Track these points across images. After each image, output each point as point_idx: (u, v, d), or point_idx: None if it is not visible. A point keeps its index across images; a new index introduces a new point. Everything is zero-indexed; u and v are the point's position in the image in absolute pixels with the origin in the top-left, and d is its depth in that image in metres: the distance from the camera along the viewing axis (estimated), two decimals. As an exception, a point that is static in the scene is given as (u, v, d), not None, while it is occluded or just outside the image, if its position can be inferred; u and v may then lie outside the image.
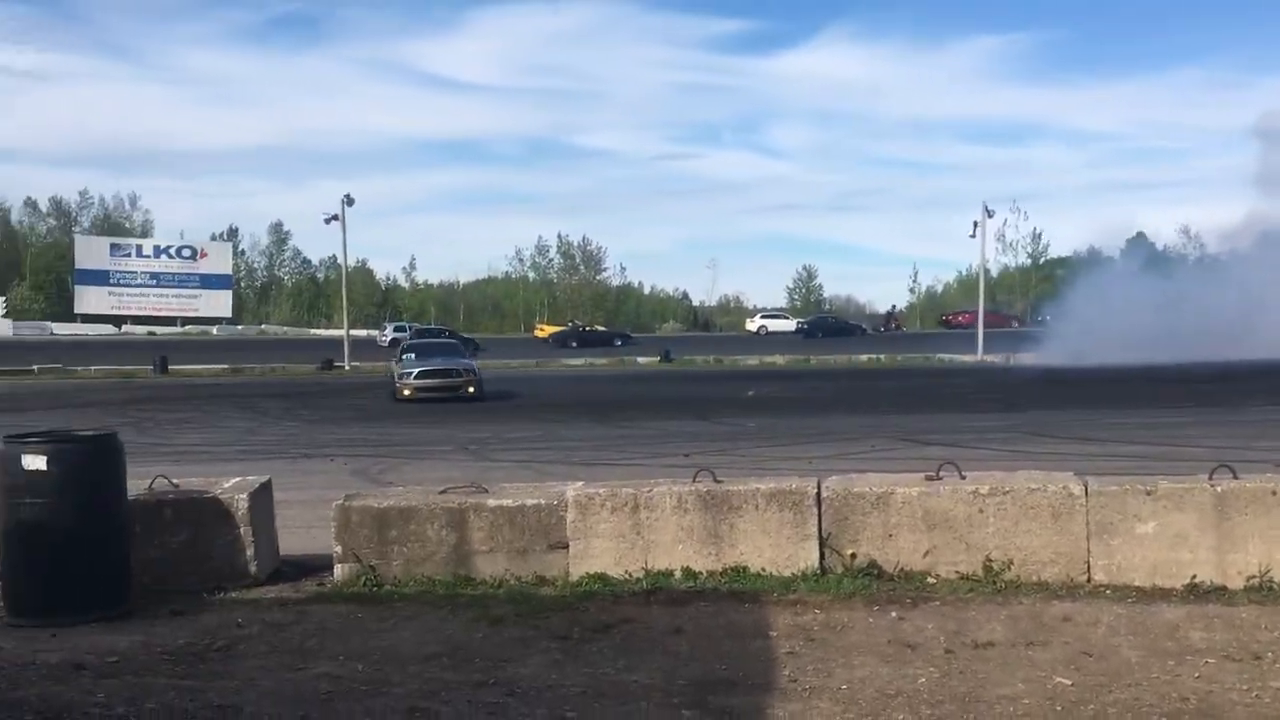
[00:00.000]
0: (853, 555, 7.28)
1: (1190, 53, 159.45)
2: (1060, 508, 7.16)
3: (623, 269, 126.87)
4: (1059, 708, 5.04)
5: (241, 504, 7.74)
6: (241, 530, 7.70)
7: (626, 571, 7.38)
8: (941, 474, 7.54)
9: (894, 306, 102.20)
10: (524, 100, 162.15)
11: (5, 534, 6.94)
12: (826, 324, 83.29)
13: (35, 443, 6.99)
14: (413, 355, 31.46)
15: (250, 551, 7.72)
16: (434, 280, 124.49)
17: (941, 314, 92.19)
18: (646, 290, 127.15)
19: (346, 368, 50.01)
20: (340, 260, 63.25)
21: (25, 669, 5.90)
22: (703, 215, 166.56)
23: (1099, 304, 51.95)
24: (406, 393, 28.72)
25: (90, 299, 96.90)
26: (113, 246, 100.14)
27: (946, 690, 5.29)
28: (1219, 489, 7.08)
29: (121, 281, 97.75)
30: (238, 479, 8.26)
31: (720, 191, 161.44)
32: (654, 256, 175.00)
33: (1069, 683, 5.34)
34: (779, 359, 54.90)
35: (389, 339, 73.12)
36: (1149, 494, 7.12)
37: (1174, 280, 61.37)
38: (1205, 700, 5.10)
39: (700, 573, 7.33)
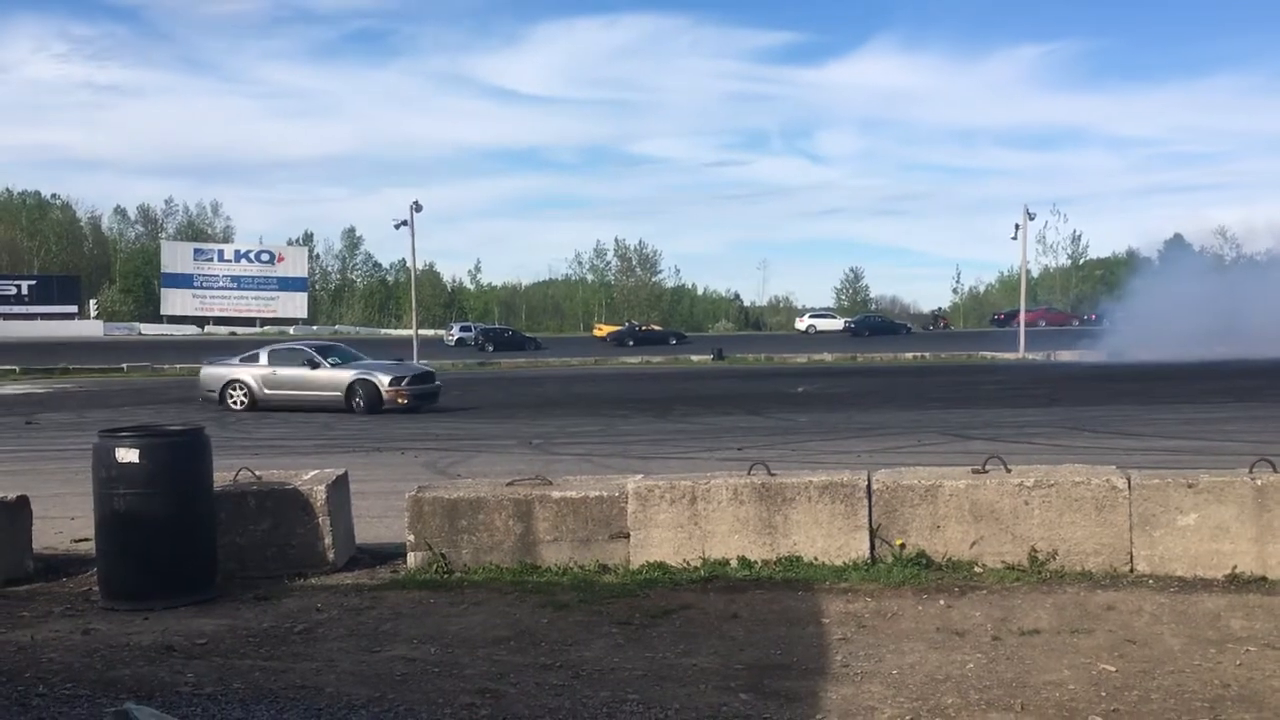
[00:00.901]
0: (902, 545, 7.24)
1: (1227, 60, 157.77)
2: (1104, 500, 7.08)
3: (677, 271, 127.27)
4: (1103, 693, 4.98)
5: (320, 495, 7.81)
6: (320, 520, 7.77)
7: (684, 560, 7.39)
8: (987, 467, 7.49)
9: (939, 308, 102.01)
10: (583, 110, 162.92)
11: (100, 522, 7.05)
12: (873, 323, 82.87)
13: (128, 437, 7.09)
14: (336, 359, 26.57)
15: (328, 540, 7.80)
16: (498, 282, 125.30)
17: (994, 313, 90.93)
18: (699, 291, 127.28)
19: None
20: (409, 263, 63.72)
21: (120, 650, 6.00)
22: (753, 219, 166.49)
23: (1153, 301, 51.22)
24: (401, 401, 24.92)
25: (175, 301, 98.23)
26: (196, 251, 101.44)
27: (994, 675, 5.25)
28: (1259, 482, 6.97)
29: (204, 284, 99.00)
30: (316, 471, 8.34)
31: (770, 196, 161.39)
32: (707, 259, 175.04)
33: (1113, 669, 5.28)
34: (827, 356, 54.69)
35: (455, 339, 73.60)
36: (1190, 487, 7.03)
37: (1228, 278, 60.41)
38: (1246, 687, 5.02)
39: (755, 562, 7.31)
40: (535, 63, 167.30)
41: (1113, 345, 49.43)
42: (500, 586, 7.17)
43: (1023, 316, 59.33)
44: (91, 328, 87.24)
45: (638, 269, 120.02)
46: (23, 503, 8.02)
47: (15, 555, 7.84)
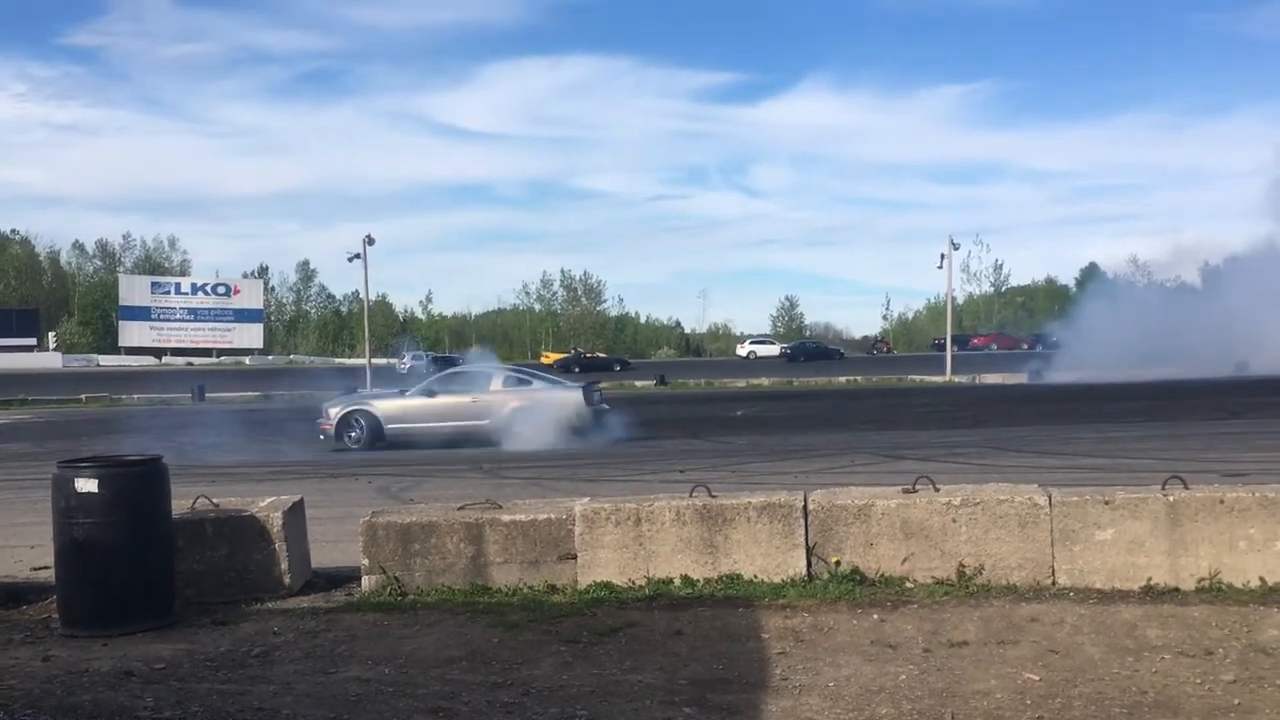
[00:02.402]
0: (837, 562, 7.28)
1: (1135, 97, 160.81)
2: (1027, 517, 7.16)
3: (620, 300, 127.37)
4: (1028, 701, 5.04)
5: (276, 521, 7.73)
6: (276, 545, 7.69)
7: (630, 580, 7.38)
8: (917, 487, 7.56)
9: (880, 334, 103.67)
10: (530, 147, 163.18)
11: (60, 551, 6.94)
12: (808, 349, 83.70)
13: (87, 467, 6.98)
14: None
15: (284, 565, 7.71)
16: (448, 312, 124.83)
17: (935, 338, 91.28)
18: (643, 319, 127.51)
19: (361, 392, 49.81)
20: (362, 295, 63.42)
21: (79, 676, 5.89)
22: (693, 250, 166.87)
23: (1099, 323, 51.97)
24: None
25: (133, 333, 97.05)
26: (153, 284, 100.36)
27: (925, 686, 5.29)
28: (1171, 499, 7.08)
29: (162, 316, 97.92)
30: (272, 498, 8.25)
31: (709, 228, 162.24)
32: (649, 288, 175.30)
33: (1037, 678, 5.34)
34: (765, 381, 54.91)
35: (408, 367, 73.16)
36: (1107, 504, 7.13)
37: (1166, 301, 61.44)
38: (1162, 693, 5.10)
39: (698, 580, 7.32)
40: (483, 101, 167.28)
41: (1035, 368, 50.11)
42: (452, 608, 7.12)
43: (949, 341, 59.95)
44: (50, 359, 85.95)
45: (583, 299, 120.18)
46: (-18, 532, 7.87)
47: (-25, 584, 7.69)
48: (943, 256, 58.29)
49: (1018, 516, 7.18)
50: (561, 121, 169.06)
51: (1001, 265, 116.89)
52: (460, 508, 7.95)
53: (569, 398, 22.09)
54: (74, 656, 6.30)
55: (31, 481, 15.65)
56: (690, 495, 7.64)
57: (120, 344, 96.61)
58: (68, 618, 6.96)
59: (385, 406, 22.17)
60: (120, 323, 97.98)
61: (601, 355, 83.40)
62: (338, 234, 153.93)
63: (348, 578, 8.01)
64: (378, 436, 21.72)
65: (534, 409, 21.46)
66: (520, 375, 23.55)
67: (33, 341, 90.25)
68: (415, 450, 20.94)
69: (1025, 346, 78.45)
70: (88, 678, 5.87)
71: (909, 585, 7.15)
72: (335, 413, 22.06)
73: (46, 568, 7.93)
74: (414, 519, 7.74)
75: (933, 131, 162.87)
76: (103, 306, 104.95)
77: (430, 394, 22.20)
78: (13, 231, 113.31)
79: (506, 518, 7.62)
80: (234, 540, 7.69)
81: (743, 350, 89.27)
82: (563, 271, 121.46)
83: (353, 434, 21.73)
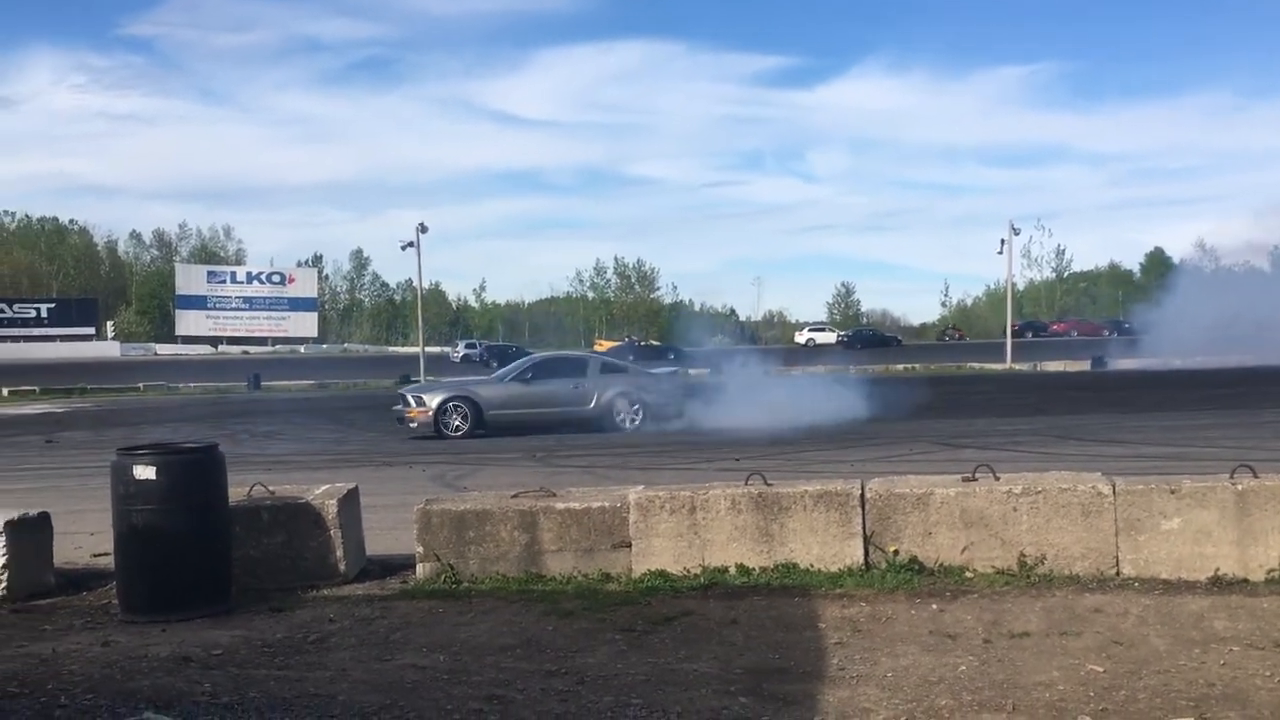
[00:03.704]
0: (895, 551, 7.24)
1: (1200, 78, 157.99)
2: (1090, 506, 7.08)
3: (674, 288, 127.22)
4: (1092, 693, 4.98)
5: (331, 508, 7.81)
6: (332, 533, 7.77)
7: (685, 568, 7.38)
8: (977, 475, 7.49)
9: (943, 320, 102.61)
10: (582, 133, 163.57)
11: (119, 538, 7.06)
12: (865, 336, 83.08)
13: (145, 454, 7.09)
14: None
15: (340, 552, 7.79)
16: (501, 300, 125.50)
17: (1013, 324, 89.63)
18: (696, 307, 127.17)
19: (422, 382, 50.22)
20: (415, 283, 64.04)
21: (139, 662, 5.99)
22: (748, 236, 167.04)
23: (1185, 309, 51.11)
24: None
25: (190, 322, 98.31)
26: (209, 273, 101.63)
27: (985, 677, 5.25)
28: (1239, 487, 6.97)
29: (217, 305, 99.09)
30: (327, 486, 8.34)
31: (763, 214, 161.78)
32: (703, 276, 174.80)
33: (1101, 670, 5.28)
34: (820, 369, 54.63)
35: (461, 355, 73.61)
36: (1173, 492, 7.03)
37: (1252, 286, 60.35)
38: (1230, 686, 5.02)
39: (753, 569, 7.31)
40: (536, 88, 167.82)
41: (1099, 355, 49.46)
42: (506, 595, 7.16)
43: (1009, 328, 59.46)
44: (109, 349, 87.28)
45: (636, 286, 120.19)
46: (44, 519, 8.02)
47: (37, 570, 7.84)
48: (1003, 242, 57.89)
49: (1081, 505, 7.10)
50: (614, 108, 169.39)
51: (1063, 250, 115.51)
52: (514, 495, 7.99)
53: (664, 384, 22.95)
54: (133, 642, 6.40)
55: (91, 469, 15.93)
56: (745, 483, 7.63)
57: (177, 333, 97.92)
58: (127, 604, 7.08)
59: (488, 393, 22.34)
60: (177, 312, 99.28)
61: (655, 344, 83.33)
62: (391, 222, 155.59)
63: (402, 565, 8.08)
64: (479, 423, 21.81)
65: (634, 394, 22.28)
66: (615, 363, 24.31)
67: (91, 331, 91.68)
68: (468, 439, 21.06)
69: (1106, 333, 77.26)
70: (146, 663, 5.96)
71: (968, 575, 7.09)
72: (432, 399, 22.07)
73: (106, 554, 8.06)
74: (468, 506, 7.80)
75: (991, 114, 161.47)
76: (160, 296, 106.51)
77: (526, 380, 22.48)
78: (71, 222, 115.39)
79: (560, 505, 7.65)
80: (290, 527, 7.78)
81: (800, 338, 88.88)
82: (616, 259, 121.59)
83: (454, 421, 21.72)
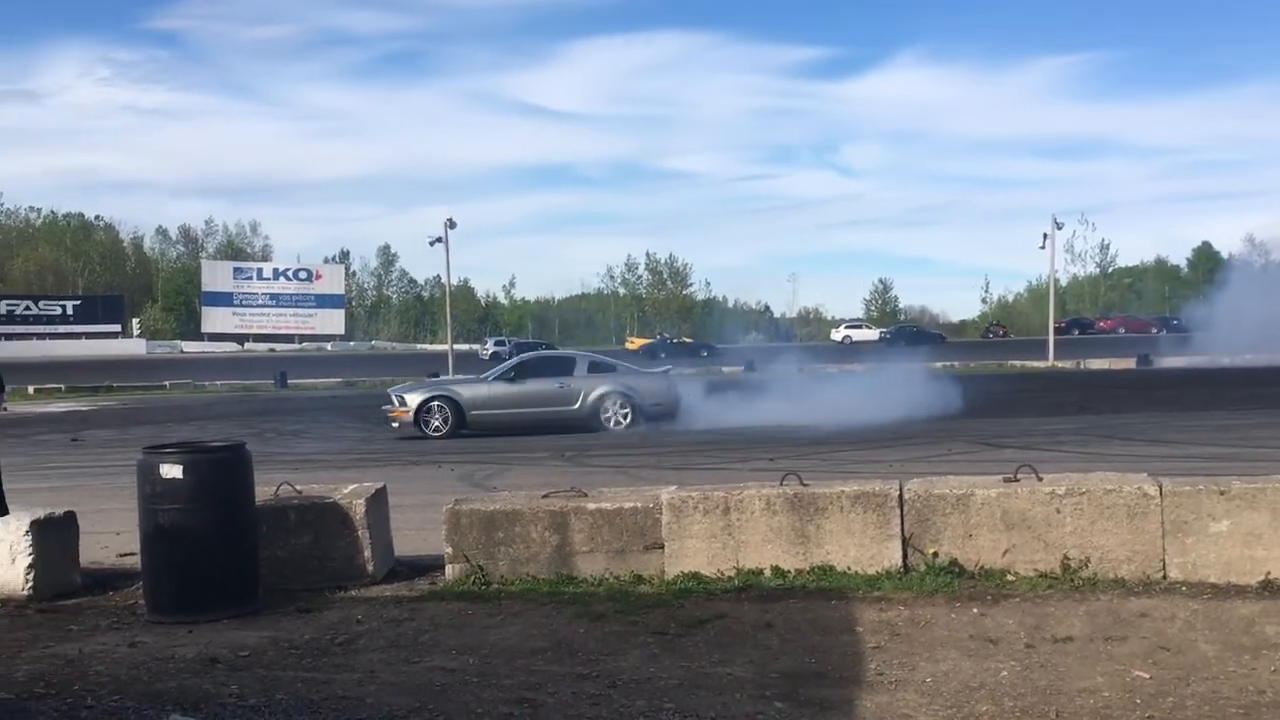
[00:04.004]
0: (934, 554, 7.21)
1: (1249, 68, 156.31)
2: (1135, 507, 7.02)
3: (707, 284, 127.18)
4: (1138, 700, 4.94)
5: (359, 508, 7.85)
6: (360, 533, 7.81)
7: (718, 570, 7.38)
8: (1019, 476, 7.45)
9: (984, 316, 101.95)
10: (614, 126, 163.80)
11: (145, 537, 7.12)
12: (908, 333, 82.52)
13: (171, 453, 7.14)
14: None
15: (368, 552, 7.83)
16: (531, 297, 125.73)
17: (1058, 321, 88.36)
18: (730, 303, 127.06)
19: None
20: (444, 279, 64.20)
21: (165, 663, 6.04)
22: (782, 232, 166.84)
23: (1239, 305, 50.52)
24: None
25: (216, 319, 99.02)
26: (236, 270, 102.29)
27: (1028, 683, 5.21)
28: (1292, 488, 6.90)
29: (244, 302, 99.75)
30: (355, 485, 8.38)
31: (799, 209, 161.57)
32: (736, 271, 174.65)
33: (1147, 676, 5.24)
34: (857, 367, 54.42)
35: (490, 353, 73.81)
36: (1222, 493, 6.96)
37: None
38: (1282, 693, 4.97)
39: (789, 571, 7.29)
40: (567, 80, 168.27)
41: (1145, 352, 49.03)
42: (537, 597, 7.18)
43: (1051, 325, 58.95)
44: (134, 346, 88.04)
45: (668, 282, 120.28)
46: (70, 518, 8.10)
47: (63, 570, 7.92)
48: (1045, 236, 57.43)
49: (1126, 507, 7.04)
50: (647, 100, 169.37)
51: (1108, 245, 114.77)
52: (545, 496, 8.01)
53: (654, 383, 22.60)
54: (160, 643, 6.46)
55: (117, 468, 16.08)
56: (781, 484, 7.62)
57: (203, 330, 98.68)
58: (153, 604, 7.14)
59: (469, 393, 22.20)
60: (203, 309, 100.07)
61: (688, 340, 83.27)
62: (419, 218, 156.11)
63: (431, 566, 8.11)
64: (460, 424, 21.75)
65: (620, 394, 21.92)
66: (604, 361, 23.82)
67: (117, 328, 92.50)
68: (497, 438, 21.12)
69: (1154, 330, 76.51)
70: (173, 664, 6.01)
71: (1010, 578, 7.05)
72: (413, 399, 22.10)
73: (132, 554, 8.14)
74: (498, 507, 7.82)
75: (1034, 105, 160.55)
76: (186, 292, 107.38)
77: (511, 380, 22.36)
78: (97, 218, 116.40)
79: (592, 506, 7.66)
80: (317, 528, 7.82)
81: (837, 335, 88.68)
82: (648, 254, 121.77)
83: (434, 422, 21.71)
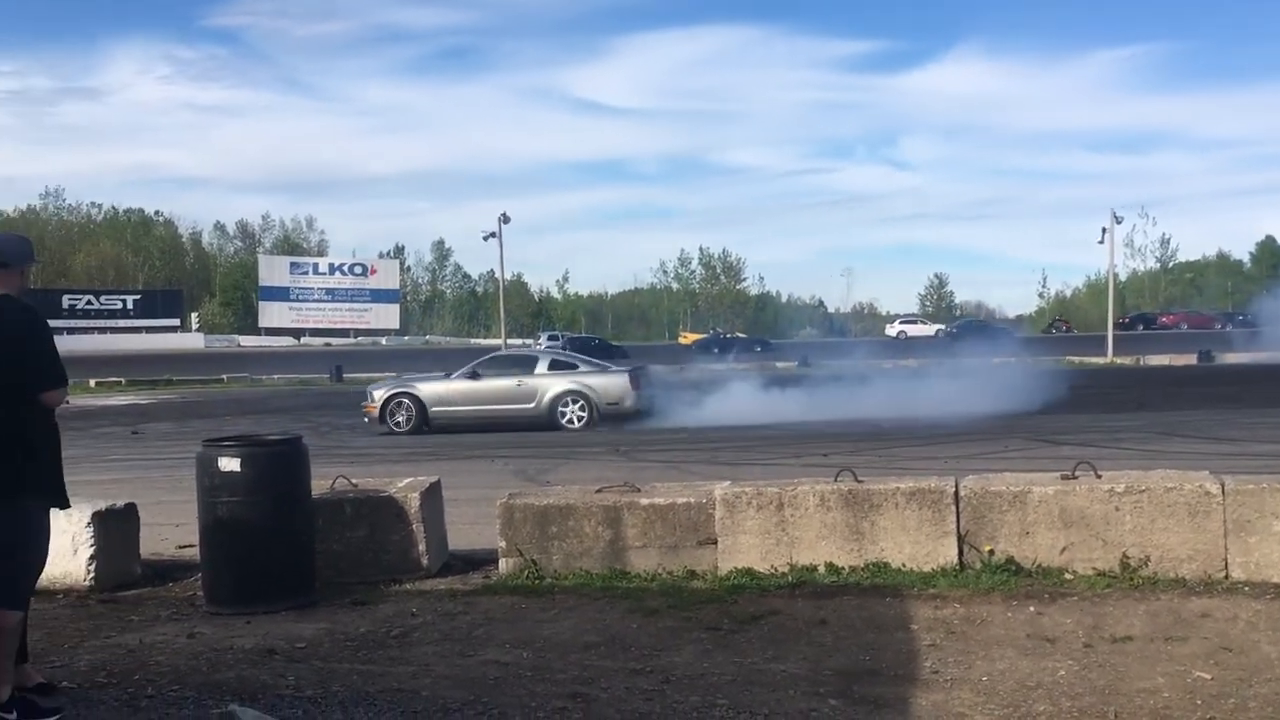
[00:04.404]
0: (990, 551, 7.15)
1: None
2: (1197, 506, 6.92)
3: (761, 278, 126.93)
4: (1199, 701, 4.87)
5: (414, 502, 7.90)
6: (414, 526, 7.87)
7: (772, 566, 7.36)
8: (1077, 473, 7.36)
9: (1059, 316, 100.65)
10: (667, 121, 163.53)
11: (204, 529, 7.21)
12: (974, 328, 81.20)
13: (230, 446, 7.23)
14: None
15: (422, 546, 7.88)
16: (584, 292, 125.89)
17: (1120, 316, 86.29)
18: (783, 299, 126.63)
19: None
20: (497, 274, 64.41)
21: (224, 653, 6.12)
22: (837, 226, 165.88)
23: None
24: None
25: (272, 313, 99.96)
26: (292, 265, 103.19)
27: (1086, 683, 5.16)
28: (1358, 487, 6.77)
29: (300, 297, 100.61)
30: (410, 479, 8.45)
31: (854, 203, 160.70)
32: (790, 266, 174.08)
33: (1209, 677, 5.17)
34: (912, 362, 54.06)
35: (543, 348, 73.96)
36: (1286, 492, 6.84)
37: None
38: (1348, 696, 4.88)
39: (843, 568, 7.26)
40: (621, 75, 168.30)
41: (1206, 348, 48.27)
42: (590, 592, 7.19)
43: (1110, 320, 58.15)
44: (193, 340, 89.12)
45: (722, 277, 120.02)
46: (131, 510, 8.22)
47: (124, 561, 8.05)
48: (1104, 231, 56.59)
49: (1187, 505, 6.94)
50: (701, 95, 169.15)
51: (1168, 239, 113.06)
52: (598, 490, 8.02)
53: (614, 382, 22.63)
54: (218, 634, 6.54)
55: (176, 460, 16.29)
56: (835, 480, 7.59)
57: (260, 324, 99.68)
58: (212, 595, 7.23)
59: (430, 390, 22.60)
60: (260, 303, 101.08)
61: (741, 335, 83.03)
62: (473, 212, 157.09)
63: (484, 560, 8.15)
64: (424, 420, 22.20)
65: (577, 393, 22.17)
66: (567, 359, 24.19)
67: (176, 322, 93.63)
68: (551, 432, 21.20)
69: (1218, 325, 75.14)
70: (231, 655, 6.09)
71: (1068, 576, 6.98)
72: (380, 395, 22.59)
73: (191, 545, 8.26)
74: (551, 501, 7.84)
75: (1093, 98, 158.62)
76: (243, 287, 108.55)
77: (473, 377, 22.67)
78: (156, 213, 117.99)
79: (645, 501, 7.66)
80: (372, 521, 7.88)
81: (892, 330, 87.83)
82: (701, 249, 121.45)
83: (398, 417, 22.19)
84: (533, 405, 22.08)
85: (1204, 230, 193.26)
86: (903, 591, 6.84)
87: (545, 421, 21.90)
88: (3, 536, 4.92)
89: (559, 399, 22.08)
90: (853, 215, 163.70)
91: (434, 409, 22.24)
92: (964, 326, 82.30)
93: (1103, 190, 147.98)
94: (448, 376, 23.29)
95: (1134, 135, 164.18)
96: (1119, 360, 50.51)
